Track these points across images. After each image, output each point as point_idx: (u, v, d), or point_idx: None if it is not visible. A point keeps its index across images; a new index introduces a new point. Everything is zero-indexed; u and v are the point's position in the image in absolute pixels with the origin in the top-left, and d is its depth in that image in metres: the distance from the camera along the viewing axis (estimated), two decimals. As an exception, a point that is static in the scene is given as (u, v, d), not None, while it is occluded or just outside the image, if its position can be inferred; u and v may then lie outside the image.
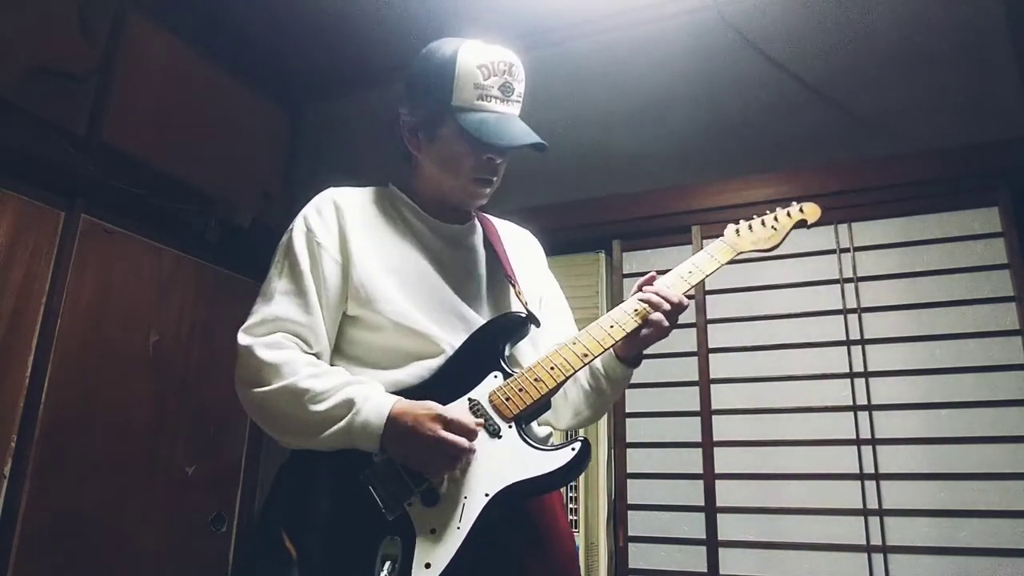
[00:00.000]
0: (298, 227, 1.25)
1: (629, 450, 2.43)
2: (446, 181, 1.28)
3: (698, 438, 2.33)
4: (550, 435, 1.28)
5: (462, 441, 1.07)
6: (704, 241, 2.49)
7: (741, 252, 1.34)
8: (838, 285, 2.29)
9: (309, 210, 1.27)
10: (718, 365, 2.38)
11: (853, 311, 2.26)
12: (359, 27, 2.96)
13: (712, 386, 2.37)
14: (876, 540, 2.07)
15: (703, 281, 1.35)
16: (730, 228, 1.38)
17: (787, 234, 1.37)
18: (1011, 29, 2.26)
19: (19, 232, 2.26)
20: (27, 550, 2.17)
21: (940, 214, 2.23)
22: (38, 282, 2.30)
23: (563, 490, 1.36)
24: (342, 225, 1.24)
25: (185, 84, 2.82)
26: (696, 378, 2.38)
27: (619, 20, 2.82)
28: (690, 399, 2.37)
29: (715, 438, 2.32)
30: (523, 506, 1.17)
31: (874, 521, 2.08)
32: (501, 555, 1.12)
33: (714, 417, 2.34)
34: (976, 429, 2.05)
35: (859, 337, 2.23)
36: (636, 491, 2.39)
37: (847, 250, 2.30)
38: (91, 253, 2.45)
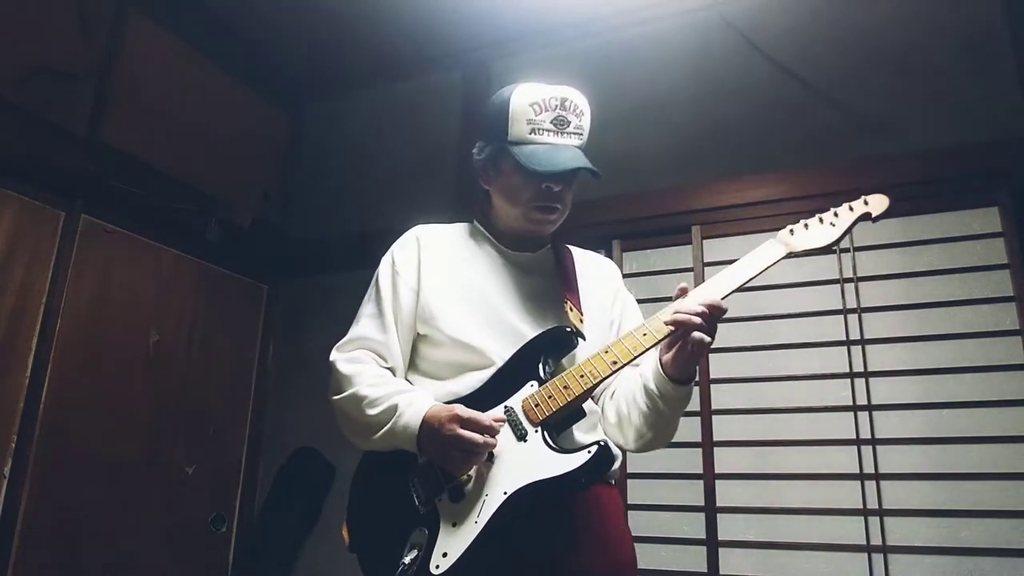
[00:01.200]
0: (385, 260, 1.43)
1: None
2: (511, 211, 1.38)
3: (698, 438, 2.33)
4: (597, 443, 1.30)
5: (475, 437, 1.15)
6: (704, 241, 2.49)
7: (793, 252, 1.30)
8: (838, 285, 2.29)
9: (396, 245, 1.44)
10: (718, 365, 2.38)
11: (853, 311, 2.26)
12: (359, 28, 2.96)
13: (712, 386, 2.37)
14: (876, 540, 2.07)
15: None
16: (785, 229, 1.33)
17: (848, 229, 1.31)
18: (1011, 29, 2.26)
19: (19, 232, 2.26)
20: (27, 550, 2.17)
21: (940, 214, 2.23)
22: (38, 282, 2.30)
23: (620, 499, 1.40)
24: (420, 256, 1.40)
25: (185, 84, 2.82)
26: (696, 378, 2.37)
27: (619, 20, 2.82)
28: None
29: (715, 438, 2.32)
30: (568, 511, 1.24)
31: (874, 521, 2.08)
32: (534, 556, 1.19)
33: (714, 417, 2.34)
34: (976, 429, 2.05)
35: (859, 337, 2.23)
36: (636, 491, 2.39)
37: (847, 250, 2.30)
38: (91, 253, 2.45)
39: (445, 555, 1.13)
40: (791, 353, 2.30)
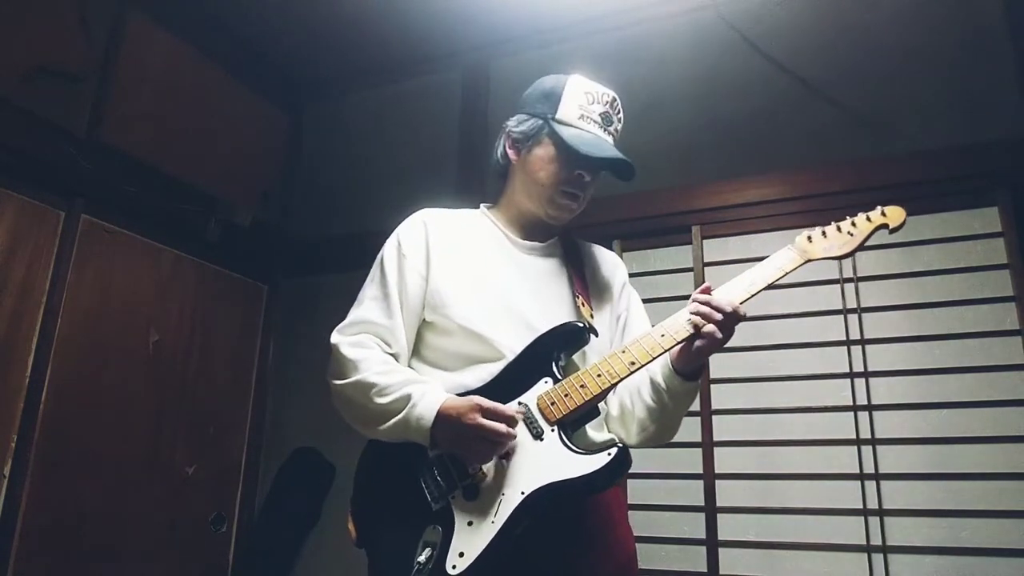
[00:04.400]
0: (390, 242, 1.41)
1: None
2: (535, 191, 1.37)
3: (698, 438, 2.33)
4: (610, 442, 1.30)
5: (499, 426, 1.14)
6: (704, 241, 2.49)
7: (811, 259, 1.28)
8: (838, 285, 2.29)
9: (401, 227, 1.42)
10: (718, 365, 2.38)
11: (853, 311, 2.26)
12: (359, 28, 2.96)
13: (712, 386, 2.37)
14: (876, 540, 2.07)
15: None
16: (802, 235, 1.30)
17: (865, 239, 1.30)
18: (1011, 29, 2.26)
19: (19, 232, 2.26)
20: (27, 550, 2.17)
21: (940, 214, 2.23)
22: (38, 282, 2.30)
23: (623, 497, 1.38)
24: (428, 240, 1.38)
25: (185, 84, 2.82)
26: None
27: (619, 20, 2.82)
28: (690, 399, 2.37)
29: (715, 438, 2.32)
30: (578, 509, 1.22)
31: (874, 521, 2.08)
32: (547, 555, 1.18)
33: (714, 417, 2.34)
34: (976, 429, 2.05)
35: (859, 337, 2.23)
36: (636, 491, 2.39)
37: (847, 250, 2.30)
38: (91, 253, 2.45)
39: (462, 555, 1.11)
40: (791, 353, 2.30)
